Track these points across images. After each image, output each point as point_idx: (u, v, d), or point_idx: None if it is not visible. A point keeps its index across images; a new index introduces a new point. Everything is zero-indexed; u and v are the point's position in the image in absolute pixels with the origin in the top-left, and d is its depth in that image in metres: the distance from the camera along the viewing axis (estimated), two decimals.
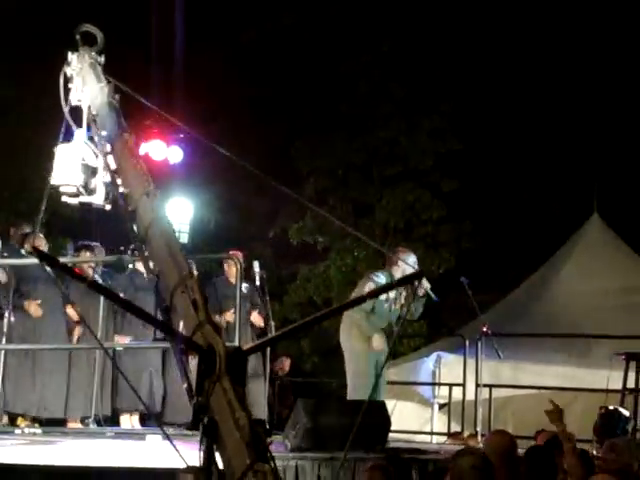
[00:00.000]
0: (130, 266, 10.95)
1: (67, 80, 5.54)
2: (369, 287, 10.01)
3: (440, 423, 12.67)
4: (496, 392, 12.16)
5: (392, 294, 10.33)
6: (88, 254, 10.71)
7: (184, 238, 13.86)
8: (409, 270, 9.94)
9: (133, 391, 9.84)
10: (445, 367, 12.98)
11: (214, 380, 3.07)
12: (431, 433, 12.42)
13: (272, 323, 11.41)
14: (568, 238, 16.15)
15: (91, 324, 9.87)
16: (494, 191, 19.56)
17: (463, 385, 11.88)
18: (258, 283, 11.45)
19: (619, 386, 10.66)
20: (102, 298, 9.93)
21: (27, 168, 14.67)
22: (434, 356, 13.26)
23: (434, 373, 13.16)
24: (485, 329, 12.06)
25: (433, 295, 10.10)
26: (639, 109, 18.81)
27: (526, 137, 19.37)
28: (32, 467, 6.31)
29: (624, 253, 15.57)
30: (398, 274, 10.15)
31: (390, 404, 11.79)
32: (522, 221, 19.63)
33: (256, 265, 11.42)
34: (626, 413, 9.47)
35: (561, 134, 19.39)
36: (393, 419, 11.10)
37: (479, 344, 11.77)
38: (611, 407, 9.62)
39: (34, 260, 3.62)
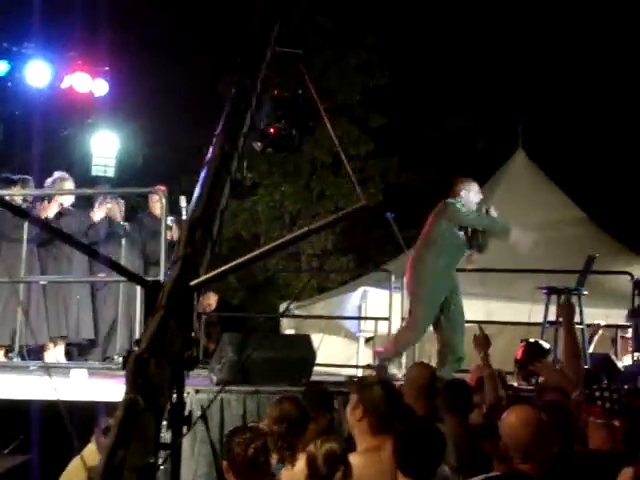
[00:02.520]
0: None
1: None
2: (451, 213, 10.12)
3: (366, 356, 12.80)
4: None
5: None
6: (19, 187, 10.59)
7: (110, 173, 13.67)
8: (473, 200, 10.23)
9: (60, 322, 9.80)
10: (371, 301, 13.07)
11: (154, 315, 2.97)
12: (356, 366, 12.54)
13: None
14: (494, 173, 16.29)
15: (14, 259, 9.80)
16: (421, 126, 19.62)
17: (389, 319, 11.99)
18: (184, 217, 11.38)
19: (540, 319, 10.86)
20: (26, 232, 9.87)
21: None
22: (360, 291, 13.35)
23: (360, 307, 13.25)
24: None
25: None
26: (563, 43, 18.94)
27: (452, 73, 19.39)
28: None
29: (548, 188, 15.75)
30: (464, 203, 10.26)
31: (317, 338, 11.90)
32: (449, 156, 19.74)
33: (182, 200, 11.33)
34: (546, 345, 9.66)
35: (487, 70, 19.46)
36: (320, 353, 11.21)
37: (404, 279, 11.87)
38: (532, 339, 9.82)
39: None
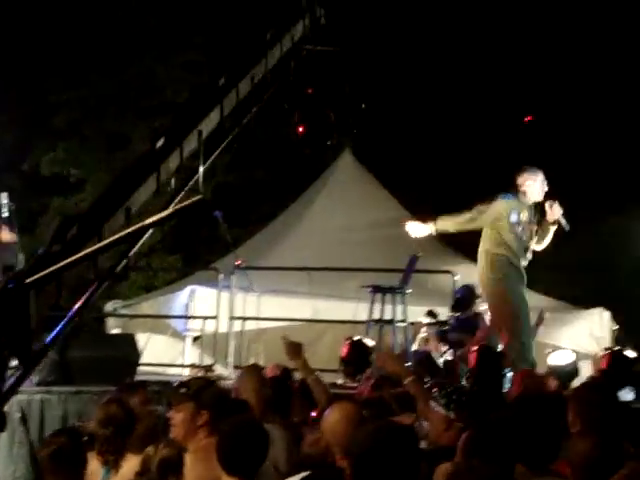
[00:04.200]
0: None
1: None
2: (499, 205, 9.60)
3: (193, 356, 12.72)
4: (249, 325, 12.31)
5: (524, 216, 9.71)
6: None
7: None
8: (536, 190, 9.64)
9: None
10: (199, 300, 12.99)
11: None
12: (183, 366, 12.45)
13: (21, 256, 11.08)
14: (321, 174, 16.44)
15: None
16: (251, 125, 19.57)
17: (216, 318, 11.95)
18: (6, 215, 11.07)
19: (365, 317, 11.00)
20: None
21: None
22: (188, 290, 13.26)
23: (188, 306, 13.16)
24: (239, 262, 12.18)
25: (564, 222, 9.68)
26: (394, 41, 19.22)
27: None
28: None
29: (374, 188, 15.98)
30: (527, 194, 9.67)
31: (143, 337, 11.75)
32: (278, 156, 19.80)
33: (4, 197, 11.03)
34: (370, 343, 9.81)
35: (315, 72, 19.54)
36: (146, 352, 11.08)
37: (232, 277, 11.86)
38: (356, 337, 9.95)
39: None
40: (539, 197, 9.67)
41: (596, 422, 4.87)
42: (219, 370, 11.48)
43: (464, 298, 11.46)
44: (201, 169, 9.18)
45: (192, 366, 11.90)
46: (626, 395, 8.57)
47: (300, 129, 11.90)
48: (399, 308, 10.85)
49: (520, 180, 9.64)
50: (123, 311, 14.43)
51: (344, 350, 9.80)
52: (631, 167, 18.86)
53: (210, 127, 9.57)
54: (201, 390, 5.21)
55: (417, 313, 11.89)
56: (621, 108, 19.25)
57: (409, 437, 3.72)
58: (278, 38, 11.57)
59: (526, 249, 9.67)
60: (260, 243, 15.20)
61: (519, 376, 7.37)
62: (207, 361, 11.97)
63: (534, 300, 14.10)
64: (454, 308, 11.47)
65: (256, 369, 6.64)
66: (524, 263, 9.66)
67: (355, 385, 8.86)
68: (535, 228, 9.76)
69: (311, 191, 16.16)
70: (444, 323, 11.70)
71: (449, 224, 9.79)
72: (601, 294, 15.88)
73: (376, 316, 10.81)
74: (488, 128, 20.02)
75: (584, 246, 19.11)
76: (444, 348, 11.33)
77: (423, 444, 5.24)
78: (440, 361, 10.91)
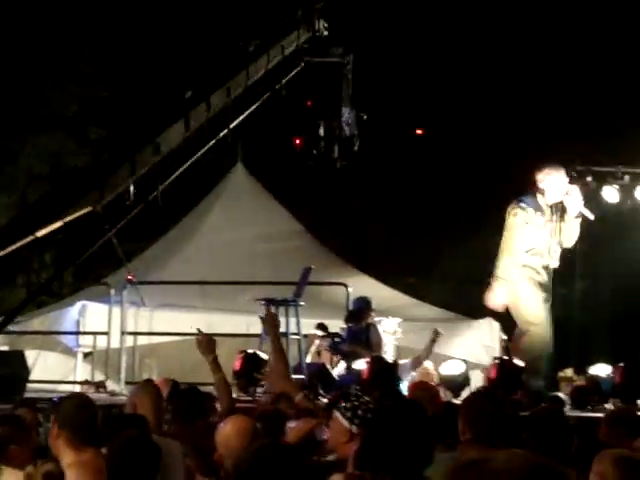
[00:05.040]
0: None
1: None
2: (516, 215, 9.60)
3: (84, 372, 12.54)
4: (141, 340, 12.21)
5: (543, 217, 9.71)
6: None
7: None
8: (555, 188, 9.55)
9: None
10: (90, 316, 12.82)
11: None
12: (74, 382, 12.27)
13: None
14: (214, 187, 16.38)
15: None
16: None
17: (108, 333, 11.81)
18: None
19: (259, 331, 10.99)
20: None
21: None
22: (79, 305, 13.07)
23: (79, 322, 12.97)
24: (130, 277, 12.07)
25: (587, 212, 9.68)
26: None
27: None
28: None
29: (267, 201, 15.99)
30: (546, 194, 9.64)
31: (32, 354, 11.55)
32: (168, 168, 19.57)
33: None
34: (264, 356, 9.81)
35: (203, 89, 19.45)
36: (36, 369, 10.90)
37: (124, 292, 11.75)
38: (250, 351, 9.94)
39: None
40: (559, 197, 9.73)
41: (485, 431, 4.94)
42: (111, 386, 11.35)
43: (359, 310, 11.56)
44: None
45: (84, 383, 11.73)
46: None
47: (297, 141, 11.86)
48: (292, 320, 10.87)
49: (540, 176, 9.68)
50: (12, 327, 14.13)
51: (237, 364, 9.78)
52: (516, 180, 19.15)
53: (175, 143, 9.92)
54: (59, 408, 5.13)
55: (311, 325, 11.93)
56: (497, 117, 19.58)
57: (293, 456, 3.72)
58: (265, 49, 11.56)
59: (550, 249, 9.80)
60: (152, 257, 15.08)
61: (411, 386, 7.46)
62: (99, 377, 11.82)
63: (425, 311, 14.34)
64: (347, 319, 11.55)
65: (151, 383, 6.61)
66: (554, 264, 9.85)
67: (250, 399, 8.86)
68: (558, 226, 9.83)
69: (203, 205, 16.09)
70: (336, 335, 11.76)
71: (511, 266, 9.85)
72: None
73: None
74: (378, 139, 20.16)
75: (473, 258, 19.42)
76: (337, 360, 11.40)
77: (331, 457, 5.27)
78: (334, 373, 10.96)
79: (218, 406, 6.65)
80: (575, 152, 12.15)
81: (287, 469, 3.58)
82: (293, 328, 10.89)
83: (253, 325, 11.26)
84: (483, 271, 19.97)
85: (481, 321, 13.55)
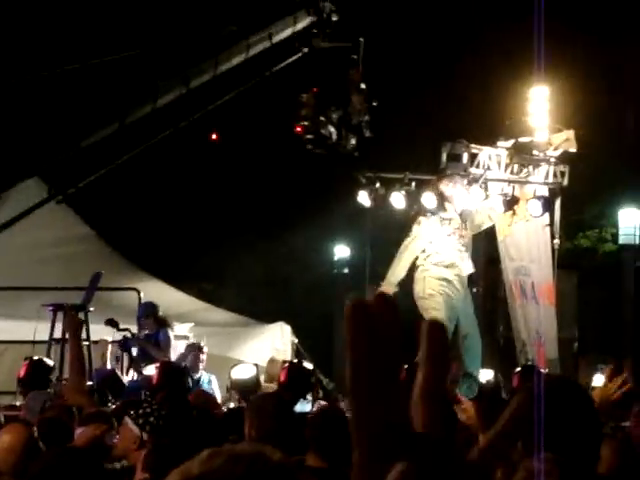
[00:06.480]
0: None
1: None
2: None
3: None
4: None
5: (451, 225, 9.62)
6: None
7: None
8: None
9: None
10: None
11: None
12: None
13: None
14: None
15: None
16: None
17: None
18: None
19: (46, 337, 10.77)
20: None
21: None
22: None
23: None
24: None
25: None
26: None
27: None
28: None
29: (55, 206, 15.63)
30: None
31: None
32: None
33: None
34: (50, 363, 9.60)
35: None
36: None
37: None
38: (36, 357, 9.71)
39: None
40: (467, 205, 10.07)
41: (270, 432, 4.99)
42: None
43: (146, 315, 11.46)
44: None
45: None
46: (304, 407, 8.82)
47: (298, 129, 11.33)
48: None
49: (442, 186, 10.02)
50: None
51: (22, 371, 9.52)
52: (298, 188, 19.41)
53: None
54: None
55: (103, 331, 11.72)
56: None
57: (84, 460, 3.67)
58: (243, 36, 11.08)
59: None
60: None
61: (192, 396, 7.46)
62: None
63: (218, 316, 14.37)
64: (141, 325, 11.43)
65: None
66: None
67: None
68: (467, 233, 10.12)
69: None
70: (126, 329, 11.56)
71: (402, 274, 10.01)
72: (280, 309, 16.31)
73: (57, 335, 10.59)
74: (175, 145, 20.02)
75: (264, 263, 19.64)
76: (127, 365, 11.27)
77: None
78: (125, 379, 10.82)
79: None
80: (364, 159, 12.41)
81: (80, 473, 3.52)
82: (83, 334, 10.69)
83: (40, 331, 11.01)
84: (277, 276, 20.30)
85: (272, 325, 13.67)
